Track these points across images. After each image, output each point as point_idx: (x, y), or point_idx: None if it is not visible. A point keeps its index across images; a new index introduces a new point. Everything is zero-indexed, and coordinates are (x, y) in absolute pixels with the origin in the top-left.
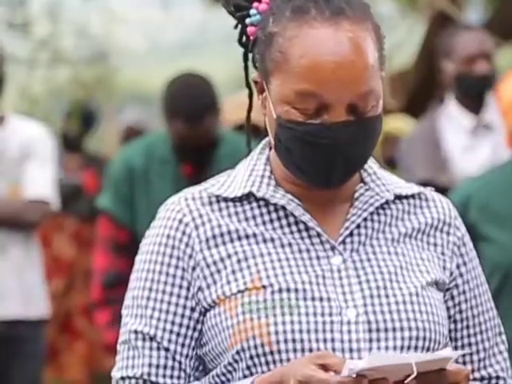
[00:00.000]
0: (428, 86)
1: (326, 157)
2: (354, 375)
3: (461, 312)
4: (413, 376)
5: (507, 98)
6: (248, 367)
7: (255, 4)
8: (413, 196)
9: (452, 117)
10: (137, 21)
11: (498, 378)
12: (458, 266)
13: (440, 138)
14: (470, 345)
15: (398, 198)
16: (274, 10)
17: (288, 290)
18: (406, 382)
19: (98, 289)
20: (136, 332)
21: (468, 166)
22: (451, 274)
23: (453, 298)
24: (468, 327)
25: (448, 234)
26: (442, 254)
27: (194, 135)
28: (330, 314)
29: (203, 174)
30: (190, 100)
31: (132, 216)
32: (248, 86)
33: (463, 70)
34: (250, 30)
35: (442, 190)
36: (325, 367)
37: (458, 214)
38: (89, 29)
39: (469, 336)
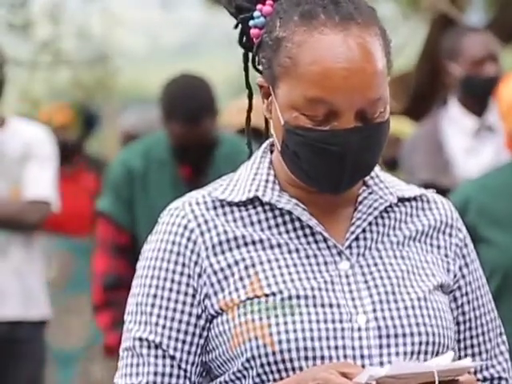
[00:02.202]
0: (430, 88)
1: (335, 163)
2: (374, 382)
3: (464, 314)
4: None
5: (506, 100)
6: (259, 375)
7: (259, 6)
8: (415, 198)
9: (455, 119)
10: (137, 23)
11: (500, 378)
12: (460, 268)
13: (442, 140)
14: (472, 346)
15: (401, 200)
16: (281, 13)
17: (298, 297)
18: None
19: (98, 291)
20: (141, 339)
21: (470, 168)
22: (455, 276)
23: (456, 299)
24: (471, 329)
25: (450, 235)
26: (446, 256)
27: (191, 137)
28: (341, 321)
29: (202, 175)
30: (187, 101)
31: (132, 218)
32: (248, 86)
33: (471, 72)
34: (253, 32)
35: (444, 192)
36: (345, 375)
37: (459, 216)
38: (89, 31)
39: (471, 337)
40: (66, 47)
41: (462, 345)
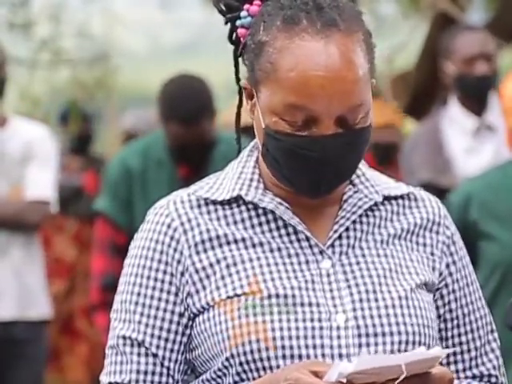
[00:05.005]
0: (430, 87)
1: (313, 169)
2: (344, 379)
3: (451, 311)
4: (403, 377)
5: (509, 97)
6: (238, 373)
7: (246, 6)
8: (401, 196)
9: (454, 118)
10: (137, 22)
11: (489, 376)
12: (447, 265)
13: (442, 140)
14: (460, 344)
15: (387, 198)
16: (265, 16)
17: (277, 296)
18: (396, 383)
19: (97, 291)
20: (124, 337)
21: (470, 168)
22: (440, 274)
23: (442, 297)
24: (458, 326)
25: (437, 233)
26: (432, 254)
27: (189, 137)
28: (320, 320)
29: (200, 175)
30: (185, 101)
31: (130, 218)
32: (238, 82)
33: (463, 70)
34: (240, 31)
35: (444, 192)
36: (317, 374)
37: (447, 213)
38: (90, 30)
39: (459, 335)
40: (66, 46)
41: (450, 342)
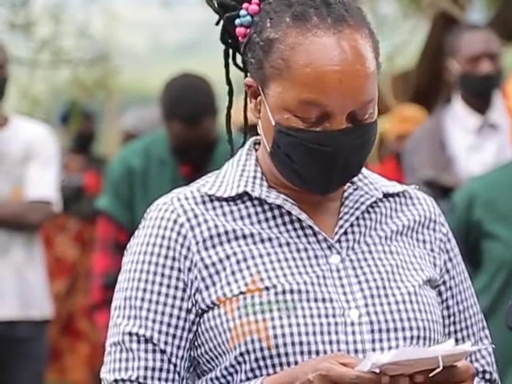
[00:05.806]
0: (431, 86)
1: (326, 164)
2: (377, 370)
3: (448, 308)
4: (439, 370)
5: None
6: (252, 369)
7: (245, 5)
8: (398, 194)
9: (457, 116)
10: (138, 22)
11: (484, 372)
12: (445, 263)
13: (445, 138)
14: (456, 340)
15: (386, 196)
16: (271, 14)
17: (291, 292)
18: (431, 375)
19: (98, 290)
20: (130, 334)
21: (473, 166)
22: (440, 270)
23: (440, 294)
24: (455, 323)
25: (434, 230)
26: (432, 250)
27: (192, 136)
28: (334, 316)
29: (202, 174)
30: (188, 101)
31: (131, 217)
32: (229, 83)
33: (467, 69)
34: (239, 30)
35: (447, 190)
36: (345, 366)
37: (441, 212)
38: (90, 29)
39: (455, 332)
40: (66, 46)
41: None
